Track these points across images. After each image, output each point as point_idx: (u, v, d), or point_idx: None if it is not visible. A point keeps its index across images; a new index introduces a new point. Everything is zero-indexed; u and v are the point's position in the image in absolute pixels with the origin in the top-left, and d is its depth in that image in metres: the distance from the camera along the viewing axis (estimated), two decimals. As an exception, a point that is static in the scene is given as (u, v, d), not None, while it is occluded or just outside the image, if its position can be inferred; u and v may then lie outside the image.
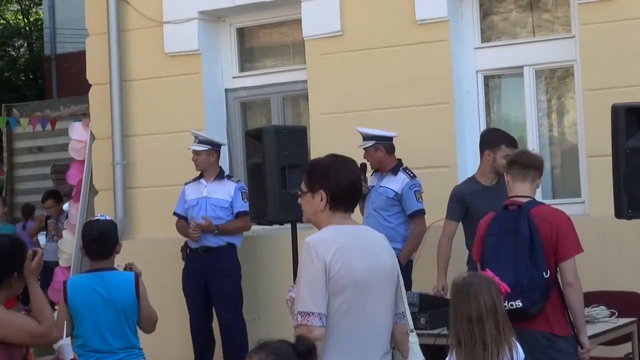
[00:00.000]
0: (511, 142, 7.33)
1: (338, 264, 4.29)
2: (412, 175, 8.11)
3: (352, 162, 4.61)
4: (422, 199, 8.06)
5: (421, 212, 8.06)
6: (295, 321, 4.31)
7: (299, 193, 4.52)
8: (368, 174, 8.23)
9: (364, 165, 8.13)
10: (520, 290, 5.42)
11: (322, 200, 4.43)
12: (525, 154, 5.97)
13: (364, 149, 8.10)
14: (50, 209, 13.19)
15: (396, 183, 8.08)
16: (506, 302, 5.42)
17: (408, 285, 7.84)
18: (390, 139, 8.16)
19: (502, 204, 5.82)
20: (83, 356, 5.91)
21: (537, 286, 5.44)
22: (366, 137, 8.12)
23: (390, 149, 8.16)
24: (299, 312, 4.28)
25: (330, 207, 4.44)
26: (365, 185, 8.12)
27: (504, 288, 4.81)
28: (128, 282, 6.02)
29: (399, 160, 8.20)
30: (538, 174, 5.79)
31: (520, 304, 5.43)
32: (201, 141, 8.96)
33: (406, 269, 8.03)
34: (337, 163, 4.52)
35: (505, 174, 5.90)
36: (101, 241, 5.98)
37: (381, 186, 8.10)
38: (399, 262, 7.86)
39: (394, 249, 7.86)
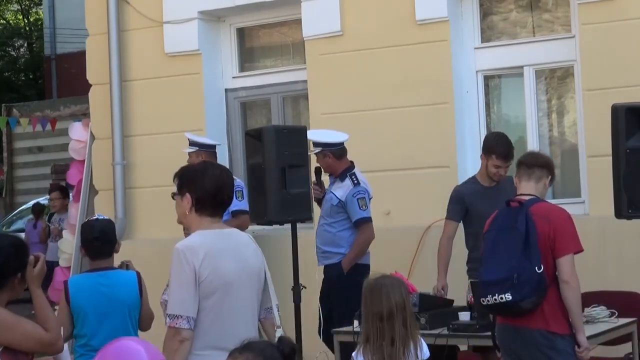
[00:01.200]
0: (504, 154, 7.16)
1: (207, 269, 4.53)
2: (356, 181, 7.92)
3: (223, 169, 4.87)
4: (366, 206, 7.88)
5: (365, 220, 7.87)
6: (166, 323, 4.53)
7: (172, 196, 4.77)
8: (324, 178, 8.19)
9: (318, 169, 8.11)
10: (510, 284, 5.43)
11: (188, 202, 4.66)
12: (531, 154, 6.00)
13: (314, 154, 8.05)
14: (55, 201, 13.15)
15: (341, 190, 7.93)
16: (496, 295, 5.44)
17: (348, 292, 7.63)
18: (338, 144, 7.98)
19: (502, 204, 5.83)
20: (85, 356, 5.88)
21: (528, 280, 5.43)
22: (315, 144, 8.02)
23: (339, 154, 7.95)
24: (168, 314, 4.53)
25: (196, 209, 4.66)
26: (319, 189, 8.10)
27: (412, 288, 4.92)
28: (131, 280, 6.02)
29: (351, 163, 8.04)
30: (544, 173, 5.77)
31: (510, 297, 5.43)
32: (190, 143, 8.99)
33: (356, 275, 7.94)
34: (205, 169, 4.78)
35: (515, 175, 5.92)
36: (103, 239, 5.98)
37: (330, 192, 7.97)
38: (342, 268, 7.89)
39: (339, 254, 7.90)
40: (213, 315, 4.55)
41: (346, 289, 7.58)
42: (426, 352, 4.91)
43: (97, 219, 6.20)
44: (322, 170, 8.10)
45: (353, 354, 4.84)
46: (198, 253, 4.53)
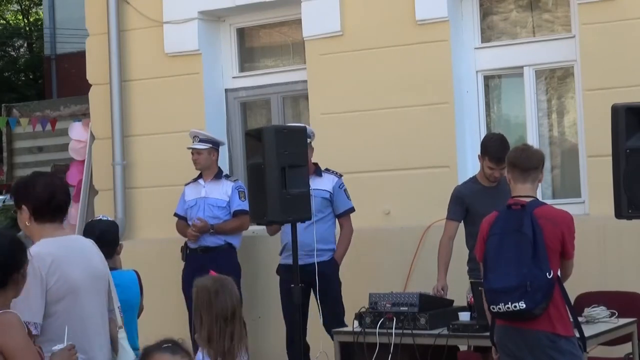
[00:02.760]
0: (497, 157, 7.13)
1: (55, 276, 4.69)
2: (339, 174, 8.13)
3: (53, 175, 5.08)
4: (349, 197, 8.11)
5: (352, 210, 8.12)
6: None
7: (14, 212, 4.95)
8: None
9: None
10: (524, 292, 5.41)
11: (26, 214, 4.82)
12: (525, 155, 5.82)
13: None
14: None
15: (325, 184, 8.06)
16: (509, 303, 5.41)
17: (338, 286, 7.89)
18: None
19: (503, 204, 5.81)
20: None
21: (541, 287, 5.42)
22: None
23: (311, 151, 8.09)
24: None
25: (35, 219, 4.82)
26: None
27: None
28: (133, 280, 6.00)
29: (315, 162, 8.17)
30: (539, 172, 5.77)
31: (524, 305, 5.41)
32: (202, 140, 8.95)
33: (338, 269, 8.07)
34: (35, 178, 4.89)
35: (506, 172, 5.88)
36: (105, 240, 5.97)
37: (312, 189, 7.89)
38: (337, 262, 7.89)
39: (331, 250, 7.96)
40: (62, 320, 4.68)
41: (338, 284, 7.82)
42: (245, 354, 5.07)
43: (99, 219, 6.20)
44: None
45: (197, 354, 4.90)
46: (45, 260, 4.67)
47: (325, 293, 7.95)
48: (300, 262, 7.83)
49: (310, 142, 8.05)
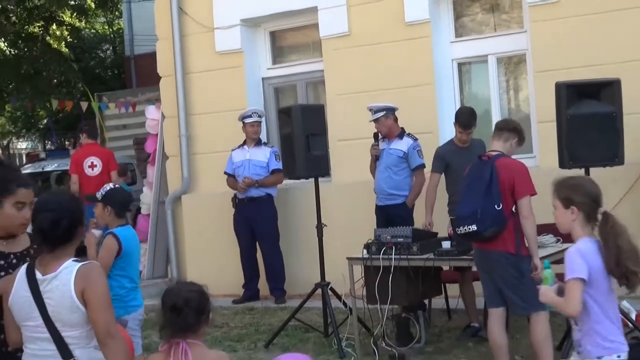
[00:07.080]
0: (463, 124, 7.10)
1: None
2: (415, 138, 7.87)
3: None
4: (422, 155, 7.81)
5: (422, 166, 7.82)
6: None
7: None
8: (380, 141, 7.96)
9: (376, 134, 7.88)
10: (475, 218, 5.42)
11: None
12: (504, 120, 5.91)
13: (376, 120, 7.78)
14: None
15: (403, 145, 7.83)
16: (465, 226, 5.43)
17: (412, 223, 7.59)
18: (395, 109, 7.92)
19: (473, 160, 5.80)
20: (133, 290, 5.44)
21: (489, 215, 5.41)
22: (377, 110, 7.79)
23: (395, 118, 7.91)
24: None
25: None
26: (377, 148, 7.88)
27: None
28: (133, 234, 5.58)
29: (402, 128, 8.02)
30: (512, 135, 5.67)
31: (475, 228, 5.42)
32: (260, 115, 9.05)
33: (410, 211, 7.90)
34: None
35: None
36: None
37: (391, 148, 7.84)
38: (408, 205, 7.71)
39: (403, 195, 7.77)
40: None
41: (410, 220, 7.61)
42: None
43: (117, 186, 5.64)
44: (380, 133, 7.84)
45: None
46: None
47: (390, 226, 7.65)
48: (380, 204, 7.88)
49: (395, 114, 7.84)
